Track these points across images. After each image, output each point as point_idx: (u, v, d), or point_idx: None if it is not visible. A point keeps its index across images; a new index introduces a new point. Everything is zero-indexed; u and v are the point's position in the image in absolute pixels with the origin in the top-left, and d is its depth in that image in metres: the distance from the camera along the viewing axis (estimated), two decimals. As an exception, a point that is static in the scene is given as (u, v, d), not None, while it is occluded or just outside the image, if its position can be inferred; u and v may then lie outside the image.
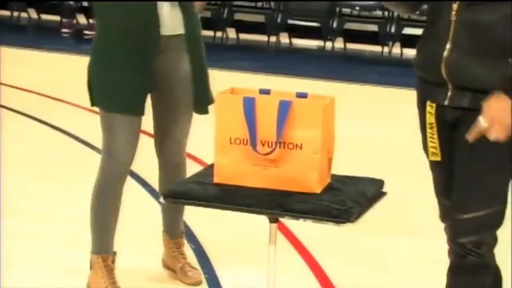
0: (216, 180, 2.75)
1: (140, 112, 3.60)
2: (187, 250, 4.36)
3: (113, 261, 3.76)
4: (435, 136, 2.95)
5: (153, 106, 3.75)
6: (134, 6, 3.53)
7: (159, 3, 3.53)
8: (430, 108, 2.93)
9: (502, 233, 2.92)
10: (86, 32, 11.42)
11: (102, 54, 3.60)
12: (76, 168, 5.61)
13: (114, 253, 3.77)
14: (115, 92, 3.57)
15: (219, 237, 4.61)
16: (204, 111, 3.73)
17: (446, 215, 2.99)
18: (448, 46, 2.83)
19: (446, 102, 2.89)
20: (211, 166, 2.80)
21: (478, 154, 2.86)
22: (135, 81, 3.55)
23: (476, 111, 2.80)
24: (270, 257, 2.75)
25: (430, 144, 2.96)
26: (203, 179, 2.78)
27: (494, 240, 2.97)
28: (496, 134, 2.72)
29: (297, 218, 2.64)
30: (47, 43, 10.76)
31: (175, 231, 3.99)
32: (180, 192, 2.73)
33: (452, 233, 2.91)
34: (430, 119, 2.94)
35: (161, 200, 2.74)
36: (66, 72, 9.02)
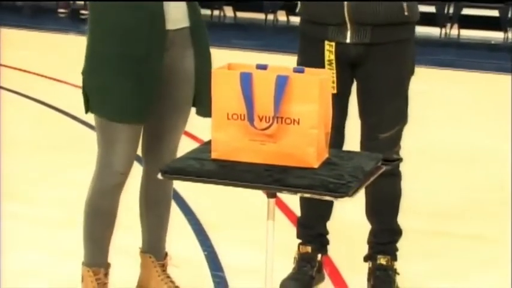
0: (213, 156, 2.75)
1: (146, 119, 3.22)
2: (187, 229, 4.38)
3: (106, 274, 3.38)
4: (334, 71, 3.31)
5: None
6: (137, 2, 3.11)
7: None
8: (329, 46, 3.32)
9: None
10: (83, 11, 11.40)
11: (100, 57, 3.16)
12: (77, 149, 5.61)
13: (108, 265, 3.39)
14: (116, 99, 3.15)
15: (219, 216, 4.62)
16: (207, 113, 3.14)
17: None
18: None
19: (348, 40, 3.30)
20: (209, 142, 2.79)
21: (382, 82, 3.36)
22: (139, 86, 3.13)
23: (377, 45, 3.29)
24: (268, 232, 2.75)
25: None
26: (200, 155, 2.78)
27: (399, 152, 3.53)
28: None
29: (295, 192, 2.63)
30: (44, 24, 10.75)
31: (161, 252, 3.53)
32: (177, 168, 2.72)
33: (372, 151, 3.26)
34: (330, 56, 3.32)
35: (159, 176, 2.73)
36: (64, 52, 9.00)
